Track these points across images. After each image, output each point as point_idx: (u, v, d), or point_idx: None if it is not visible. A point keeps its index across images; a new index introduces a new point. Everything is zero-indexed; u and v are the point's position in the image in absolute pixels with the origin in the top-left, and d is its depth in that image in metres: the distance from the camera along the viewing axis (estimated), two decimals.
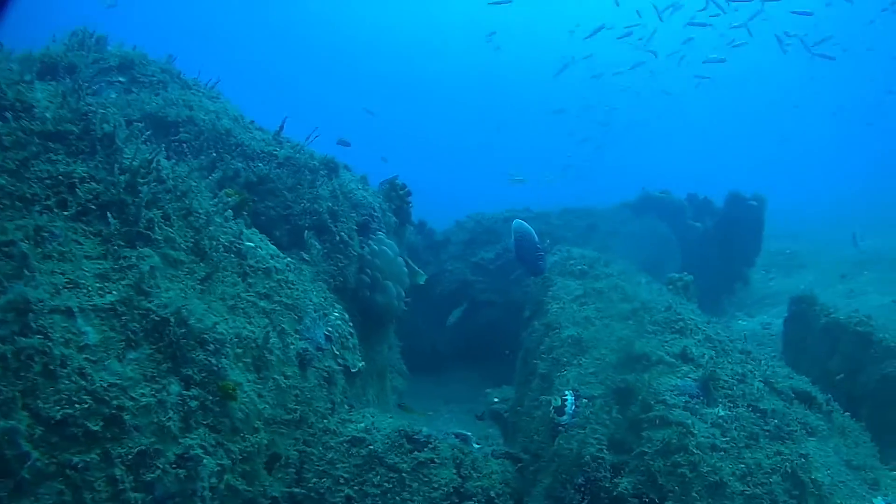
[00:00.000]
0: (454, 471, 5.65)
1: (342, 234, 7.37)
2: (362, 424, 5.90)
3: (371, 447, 5.62)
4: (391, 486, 5.44)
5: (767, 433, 5.46)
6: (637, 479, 5.00)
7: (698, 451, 5.06)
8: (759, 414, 5.61)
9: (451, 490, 5.53)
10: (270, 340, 5.41)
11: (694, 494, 4.91)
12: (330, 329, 6.47)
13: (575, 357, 6.00)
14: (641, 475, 5.00)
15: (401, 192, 8.99)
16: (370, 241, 7.80)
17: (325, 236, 7.26)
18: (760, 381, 5.87)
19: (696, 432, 5.17)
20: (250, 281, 5.67)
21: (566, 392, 5.40)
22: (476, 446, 6.02)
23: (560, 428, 5.23)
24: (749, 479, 5.09)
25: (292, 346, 5.75)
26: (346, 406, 6.37)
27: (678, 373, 5.64)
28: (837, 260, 15.92)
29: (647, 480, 4.98)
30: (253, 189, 7.04)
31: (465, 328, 12.84)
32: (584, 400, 5.34)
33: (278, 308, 5.81)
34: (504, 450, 6.20)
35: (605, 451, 5.10)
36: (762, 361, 6.25)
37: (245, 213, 6.35)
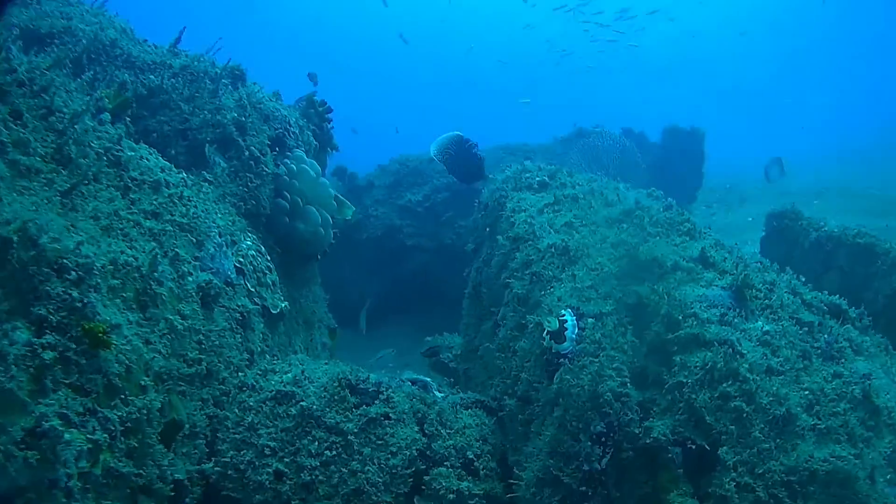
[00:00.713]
0: (416, 428, 4.14)
1: (252, 148, 5.80)
2: (290, 375, 4.32)
3: (303, 403, 4.05)
4: (334, 453, 3.92)
5: (818, 351, 4.14)
6: (676, 420, 3.57)
7: (753, 377, 3.67)
8: (805, 328, 4.28)
9: (416, 454, 4.03)
10: (160, 268, 3.87)
11: (757, 434, 3.51)
12: (241, 260, 4.88)
13: (563, 270, 4.53)
14: (681, 414, 3.58)
15: (320, 109, 7.42)
16: (287, 160, 6.22)
17: (232, 152, 5.71)
18: (788, 291, 4.54)
19: (744, 352, 3.78)
20: (133, 197, 4.15)
21: (563, 311, 3.94)
22: (439, 395, 4.51)
23: (562, 359, 3.76)
24: (817, 409, 3.74)
25: (191, 278, 4.17)
26: (267, 357, 4.78)
27: (701, 281, 4.23)
28: (780, 192, 15.08)
29: (688, 420, 3.56)
30: (143, 103, 5.52)
31: (395, 276, 11.58)
32: (590, 319, 3.88)
33: (170, 229, 4.22)
34: (475, 397, 4.72)
35: (629, 385, 3.65)
36: (779, 272, 4.92)
37: (128, 118, 4.81)
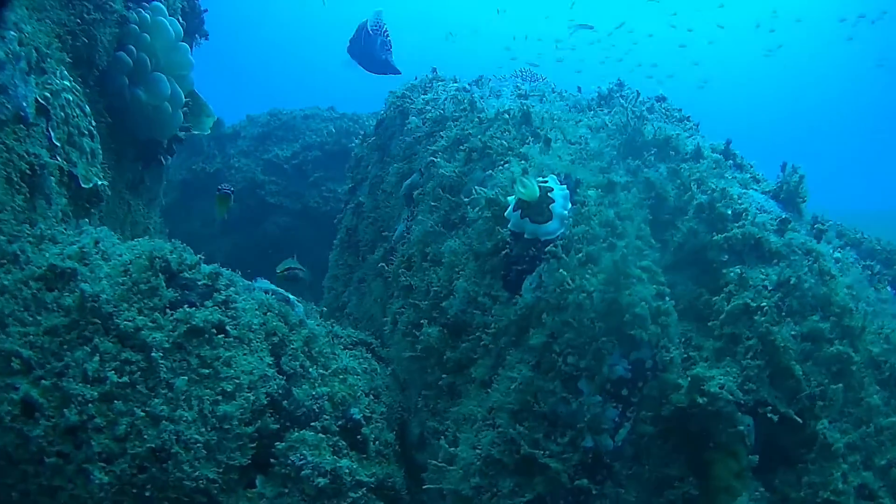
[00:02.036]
0: (270, 360, 2.33)
1: None
2: (75, 246, 2.37)
3: (85, 288, 2.15)
4: (126, 381, 2.08)
5: (886, 303, 2.71)
6: (746, 370, 1.98)
7: (857, 307, 2.15)
8: (867, 271, 2.87)
9: (265, 401, 2.22)
10: None
11: (875, 401, 1.99)
12: (48, 97, 2.99)
13: (522, 142, 2.84)
14: (753, 358, 1.99)
15: None
16: (141, 8, 4.35)
17: None
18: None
19: (835, 273, 2.26)
20: None
21: (542, 178, 2.25)
22: (311, 322, 2.71)
23: (547, 252, 2.05)
24: None
25: None
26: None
27: (734, 182, 2.68)
28: None
29: (765, 368, 1.97)
30: None
31: (251, 236, 9.88)
32: (592, 191, 2.21)
33: None
34: (360, 336, 2.96)
35: (668, 297, 2.02)
36: None
37: None
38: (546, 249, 2.04)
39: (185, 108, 4.84)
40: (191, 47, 5.85)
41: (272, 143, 10.81)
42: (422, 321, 2.48)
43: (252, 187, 10.45)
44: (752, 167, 3.01)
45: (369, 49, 4.80)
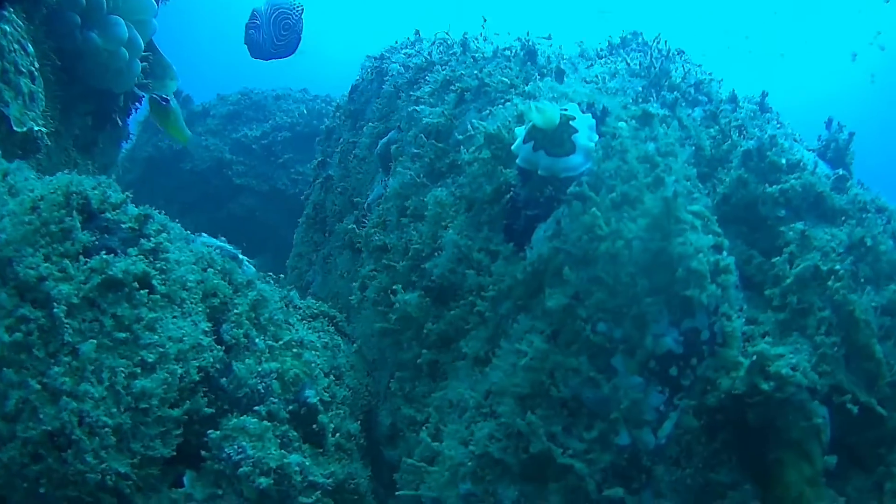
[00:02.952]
0: (206, 325, 1.85)
1: None
2: None
3: None
4: (17, 343, 1.65)
5: None
6: (820, 348, 1.55)
7: None
8: None
9: (196, 377, 1.74)
10: None
11: None
12: None
13: (527, 81, 2.38)
14: (827, 334, 1.57)
15: None
16: None
17: None
18: None
19: None
20: None
21: (563, 105, 1.80)
22: (262, 285, 2.22)
23: (569, 192, 1.59)
24: None
25: None
26: None
27: (773, 130, 2.27)
28: None
29: (841, 346, 1.55)
30: None
31: (216, 218, 9.61)
32: (623, 123, 1.74)
33: None
34: (323, 308, 2.49)
35: (726, 251, 1.58)
36: None
37: None
38: (568, 189, 1.58)
39: (144, 63, 4.32)
40: (157, 4, 5.33)
41: (242, 123, 10.54)
42: (397, 286, 2.01)
43: (219, 167, 10.18)
44: (788, 125, 2.60)
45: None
